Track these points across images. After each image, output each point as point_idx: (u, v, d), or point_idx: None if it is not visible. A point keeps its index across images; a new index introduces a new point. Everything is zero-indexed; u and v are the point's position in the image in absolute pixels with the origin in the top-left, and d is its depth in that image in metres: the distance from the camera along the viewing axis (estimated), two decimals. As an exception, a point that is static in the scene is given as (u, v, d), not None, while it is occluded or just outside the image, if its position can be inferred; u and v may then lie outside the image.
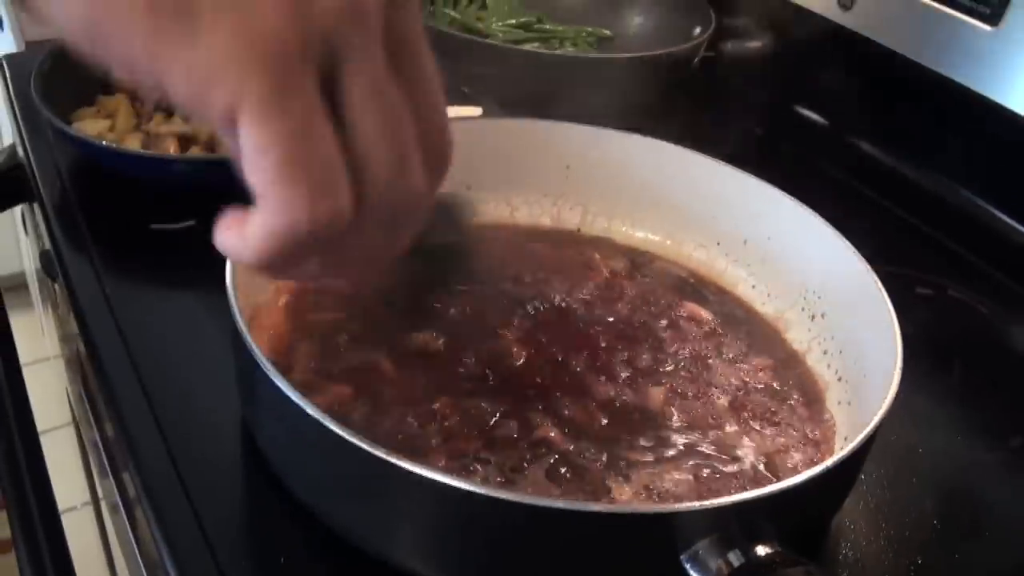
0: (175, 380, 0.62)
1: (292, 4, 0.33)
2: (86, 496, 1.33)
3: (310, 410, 0.45)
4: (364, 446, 0.44)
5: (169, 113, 0.84)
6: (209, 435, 0.59)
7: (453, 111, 0.80)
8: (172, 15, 0.33)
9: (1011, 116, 0.85)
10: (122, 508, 0.66)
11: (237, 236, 0.37)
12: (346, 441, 0.44)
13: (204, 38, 0.33)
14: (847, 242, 0.65)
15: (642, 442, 0.57)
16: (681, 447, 0.57)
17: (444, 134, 0.41)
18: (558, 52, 1.02)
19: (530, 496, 0.47)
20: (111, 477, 0.70)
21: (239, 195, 0.57)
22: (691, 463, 0.56)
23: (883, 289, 0.60)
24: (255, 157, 0.34)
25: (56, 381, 1.21)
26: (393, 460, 0.43)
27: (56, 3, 0.35)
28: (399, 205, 0.38)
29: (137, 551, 0.61)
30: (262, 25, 0.33)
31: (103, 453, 0.73)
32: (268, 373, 0.47)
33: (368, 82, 0.36)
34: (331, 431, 0.44)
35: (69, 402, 1.10)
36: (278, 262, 0.37)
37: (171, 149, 0.81)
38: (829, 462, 0.47)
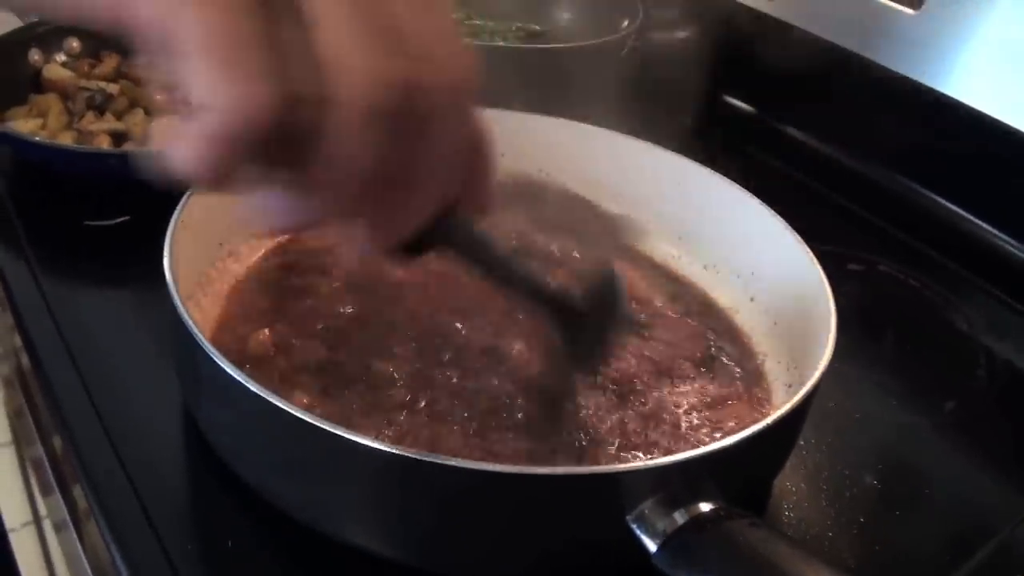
0: (116, 376, 0.62)
1: None
2: (27, 516, 1.30)
3: (249, 384, 0.45)
4: (305, 417, 0.44)
5: (101, 111, 0.83)
6: (153, 428, 0.59)
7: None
8: None
9: (934, 96, 0.88)
10: (70, 523, 0.65)
11: (178, 146, 0.32)
12: (285, 412, 0.44)
13: None
14: (781, 220, 0.66)
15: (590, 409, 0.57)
16: (623, 411, 0.57)
17: (449, 38, 0.35)
18: (486, 44, 1.02)
19: (474, 461, 0.48)
20: (57, 492, 0.69)
21: (173, 191, 0.58)
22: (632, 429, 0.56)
23: (815, 259, 0.61)
24: (193, 51, 0.31)
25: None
26: (334, 430, 0.43)
27: None
28: (387, 109, 0.33)
29: (88, 567, 0.60)
30: None
31: (49, 469, 0.72)
32: (206, 350, 0.47)
33: None
34: (271, 404, 0.44)
35: (8, 422, 1.08)
36: (223, 170, 0.33)
37: (104, 146, 0.80)
38: (767, 420, 0.48)
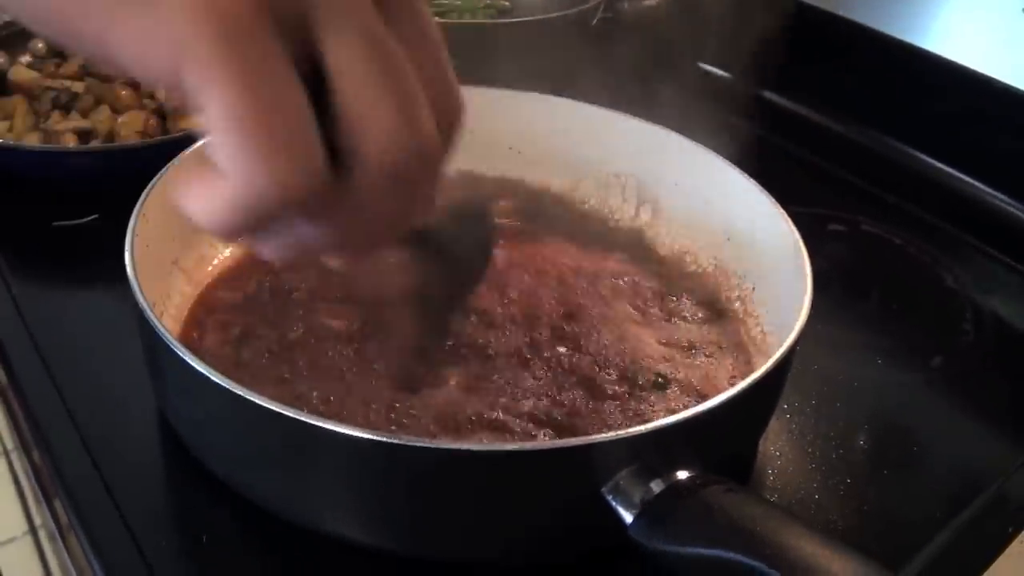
0: (89, 377, 0.61)
1: None
2: (25, 526, 1.30)
3: (212, 375, 0.44)
4: (272, 407, 0.43)
5: (67, 110, 0.82)
6: (126, 427, 0.58)
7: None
8: None
9: (913, 52, 0.87)
10: (57, 535, 0.65)
11: (204, 204, 0.33)
12: (249, 402, 0.43)
13: (159, 8, 0.31)
14: (754, 182, 0.65)
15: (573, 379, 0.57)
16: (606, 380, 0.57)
17: (452, 89, 0.36)
18: (455, 21, 1.01)
19: (447, 441, 0.47)
20: (44, 503, 0.68)
21: (142, 185, 0.57)
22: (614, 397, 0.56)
23: (788, 218, 0.61)
24: (214, 117, 0.31)
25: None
26: (303, 418, 0.43)
27: None
28: (408, 166, 0.34)
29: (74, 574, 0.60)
30: None
31: (34, 480, 0.71)
32: (168, 343, 0.46)
33: (357, 29, 0.33)
34: (235, 394, 0.44)
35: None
36: (253, 233, 0.34)
37: (70, 144, 0.79)
38: (742, 384, 0.47)
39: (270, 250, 0.37)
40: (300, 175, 0.32)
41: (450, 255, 0.51)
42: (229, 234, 0.34)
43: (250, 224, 0.33)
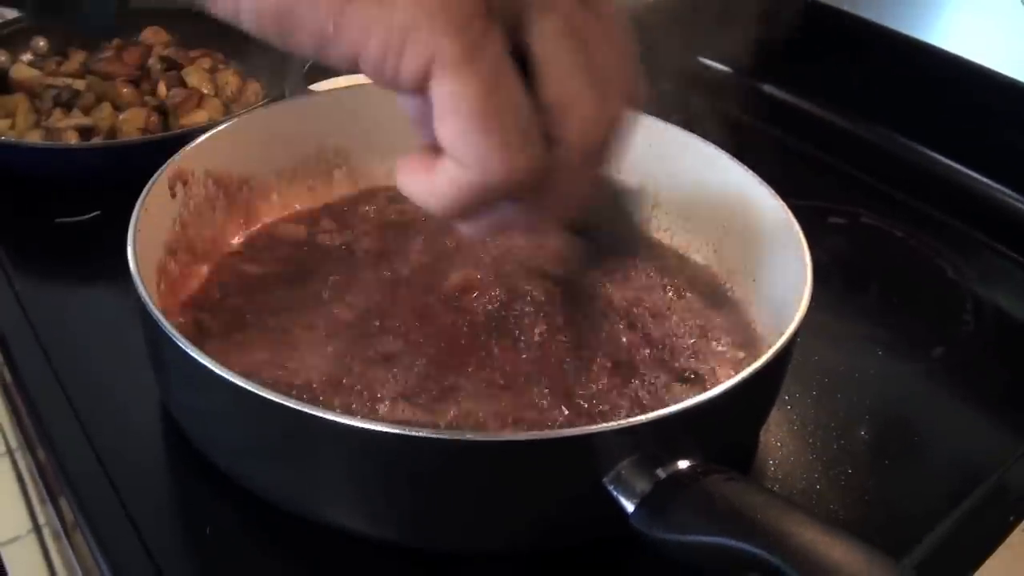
0: (91, 372, 0.61)
1: None
2: (28, 525, 1.30)
3: (218, 370, 0.44)
4: (276, 399, 0.43)
5: (68, 107, 0.83)
6: (129, 423, 0.58)
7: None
8: None
9: (913, 44, 0.87)
10: (62, 532, 0.65)
11: (425, 184, 0.37)
12: (257, 396, 0.43)
13: (393, 3, 0.33)
14: (754, 174, 0.65)
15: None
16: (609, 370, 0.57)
17: (636, 70, 0.39)
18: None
19: (446, 431, 0.47)
20: (48, 501, 0.68)
21: (143, 182, 0.57)
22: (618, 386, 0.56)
23: (788, 210, 0.61)
24: (449, 110, 0.34)
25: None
26: (307, 410, 0.43)
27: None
28: (604, 146, 0.38)
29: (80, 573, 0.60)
30: None
31: (39, 478, 0.71)
32: (170, 334, 0.46)
33: (561, 18, 0.35)
34: (243, 389, 0.44)
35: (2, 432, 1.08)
36: (469, 213, 0.37)
37: (72, 141, 0.79)
38: (743, 374, 0.47)
39: (474, 229, 0.40)
40: (528, 161, 0.35)
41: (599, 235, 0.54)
42: (455, 214, 0.37)
43: (477, 205, 0.36)
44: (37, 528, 1.14)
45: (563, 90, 0.36)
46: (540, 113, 0.36)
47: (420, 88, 0.34)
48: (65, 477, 0.55)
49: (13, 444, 0.99)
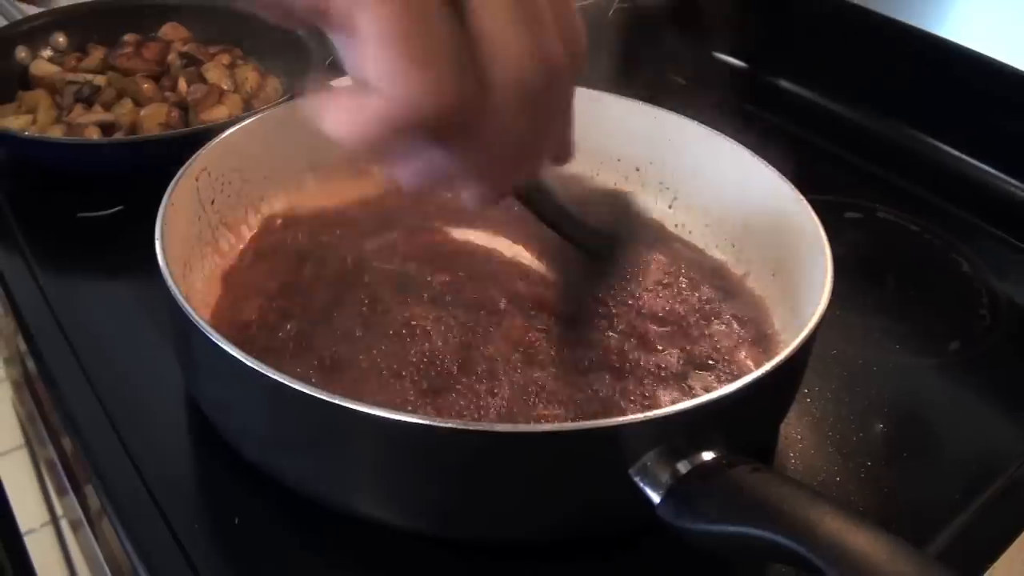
0: (117, 364, 0.62)
1: None
2: (45, 517, 1.31)
3: (246, 360, 0.45)
4: (305, 389, 0.44)
5: (89, 103, 0.83)
6: (155, 414, 0.59)
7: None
8: None
9: (929, 39, 0.87)
10: (85, 522, 0.66)
11: (347, 117, 0.35)
12: (285, 386, 0.44)
13: None
14: (774, 169, 0.66)
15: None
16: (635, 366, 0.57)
17: (576, 18, 0.38)
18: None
19: (477, 423, 0.48)
20: (71, 493, 0.69)
21: (164, 177, 0.58)
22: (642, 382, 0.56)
23: (808, 205, 0.61)
24: (372, 34, 0.33)
25: (3, 405, 1.19)
26: (338, 401, 0.43)
27: None
28: (539, 84, 0.36)
29: (104, 562, 0.60)
30: None
31: (61, 469, 0.72)
32: (200, 328, 0.47)
33: None
34: (273, 380, 0.44)
35: (20, 424, 1.08)
36: (393, 148, 0.36)
37: (93, 137, 0.80)
38: (766, 367, 0.48)
39: (405, 174, 0.39)
40: (450, 85, 0.34)
41: (592, 244, 0.55)
42: (376, 148, 0.36)
43: (396, 135, 0.35)
44: (55, 519, 1.15)
45: (492, 23, 0.35)
46: (476, 54, 0.35)
47: (349, 21, 0.34)
48: (93, 468, 0.55)
49: (31, 437, 1.00)
